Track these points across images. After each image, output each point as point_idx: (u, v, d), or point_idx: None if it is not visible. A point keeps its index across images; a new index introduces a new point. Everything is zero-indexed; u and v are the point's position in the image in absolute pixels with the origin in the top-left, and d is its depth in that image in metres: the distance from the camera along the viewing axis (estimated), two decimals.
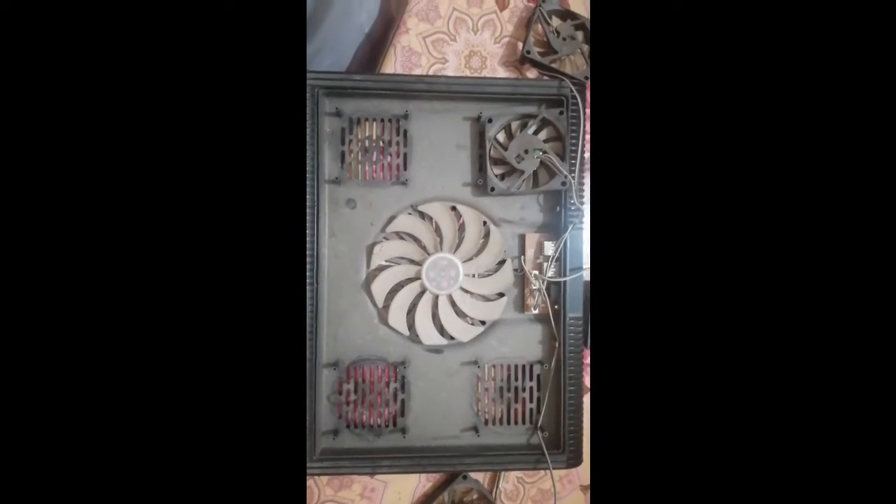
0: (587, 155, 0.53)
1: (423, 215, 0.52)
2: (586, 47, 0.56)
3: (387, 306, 0.51)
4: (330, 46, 0.61)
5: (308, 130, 0.49)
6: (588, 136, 0.55)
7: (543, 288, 0.52)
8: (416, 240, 0.52)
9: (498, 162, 0.52)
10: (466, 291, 0.52)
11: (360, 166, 0.51)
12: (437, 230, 0.52)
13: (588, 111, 0.52)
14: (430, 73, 0.56)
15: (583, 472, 0.57)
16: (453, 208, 0.52)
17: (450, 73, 0.56)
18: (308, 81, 0.49)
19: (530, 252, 0.53)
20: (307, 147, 0.48)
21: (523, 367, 0.52)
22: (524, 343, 0.53)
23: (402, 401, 0.51)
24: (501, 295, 0.53)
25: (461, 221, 0.52)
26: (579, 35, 0.56)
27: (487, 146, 0.51)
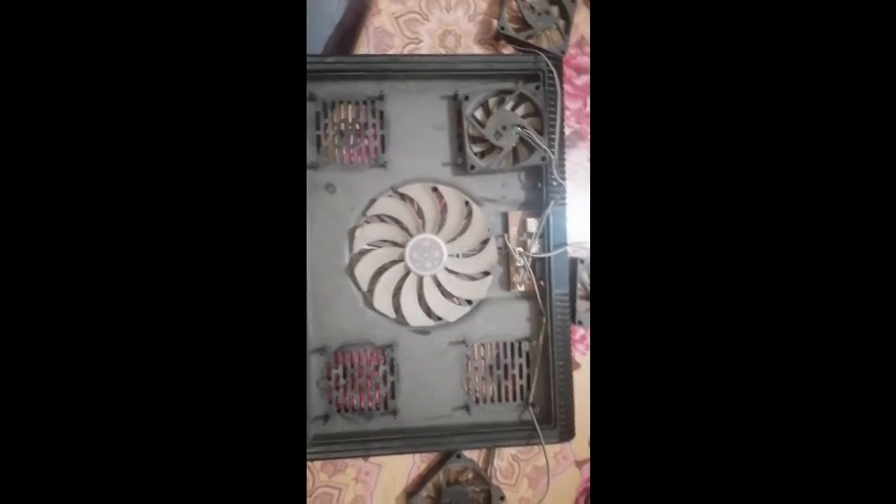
0: (566, 130, 0.53)
1: (403, 197, 0.52)
2: (561, 22, 0.55)
3: (371, 290, 0.51)
4: None
5: None
6: (566, 112, 0.55)
7: (528, 265, 0.52)
8: (397, 222, 0.52)
9: (477, 140, 0.51)
10: (451, 272, 0.52)
11: (337, 150, 0.51)
12: (419, 211, 0.52)
13: (565, 87, 0.51)
14: (405, 53, 0.55)
15: (577, 448, 0.57)
16: (434, 189, 0.52)
17: (424, 52, 0.55)
18: None
19: (514, 230, 0.53)
20: None
21: (511, 344, 0.52)
22: (511, 320, 0.53)
23: (392, 383, 0.51)
24: (487, 274, 0.53)
25: (443, 202, 0.52)
26: (554, 10, 0.55)
27: (465, 124, 0.50)
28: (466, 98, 0.50)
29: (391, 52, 0.55)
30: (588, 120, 0.58)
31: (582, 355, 0.58)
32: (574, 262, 0.54)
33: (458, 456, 0.53)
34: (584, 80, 0.58)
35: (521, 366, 0.52)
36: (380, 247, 0.52)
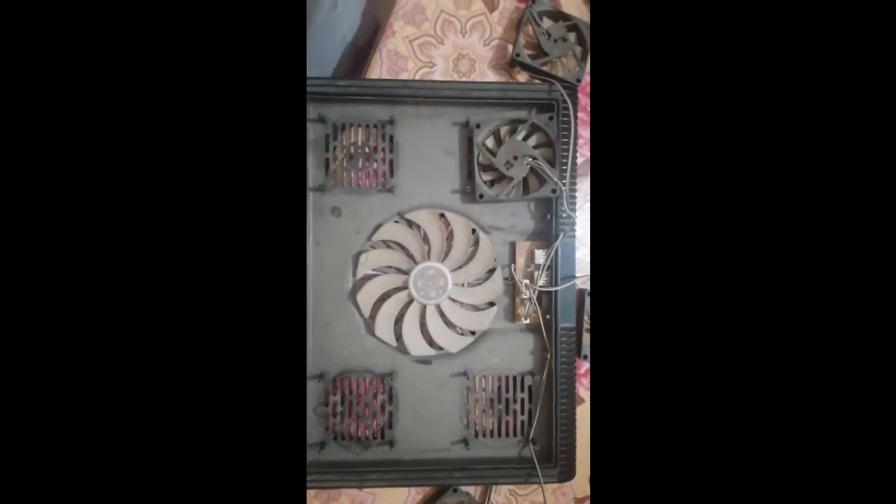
0: (579, 161, 0.52)
1: (410, 223, 0.51)
2: (578, 49, 0.54)
3: (373, 316, 0.50)
4: (311, 60, 0.60)
5: None
6: (580, 141, 0.54)
7: (534, 297, 0.51)
8: (403, 248, 0.51)
9: (487, 168, 0.50)
10: (455, 301, 0.51)
11: (345, 173, 0.50)
12: (425, 238, 0.51)
13: (580, 115, 0.50)
14: (417, 77, 0.54)
15: (576, 486, 0.56)
16: (441, 216, 0.51)
17: (437, 77, 0.55)
18: None
19: (521, 260, 0.51)
20: None
21: (514, 378, 0.51)
22: (515, 353, 0.52)
23: (390, 413, 0.50)
24: (492, 304, 0.52)
25: (449, 229, 0.51)
26: (571, 36, 0.54)
27: (476, 152, 0.49)
28: (478, 126, 0.49)
29: (404, 75, 0.54)
30: None
31: (586, 390, 0.56)
32: (582, 295, 0.53)
33: (455, 490, 0.52)
34: None
35: (522, 400, 0.51)
36: (384, 273, 0.51)
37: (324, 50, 0.57)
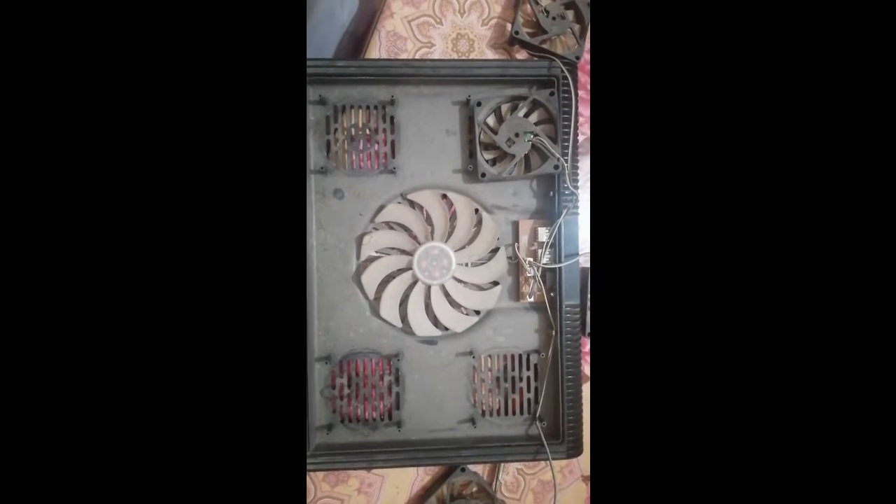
0: (580, 137, 0.52)
1: (412, 204, 0.51)
2: (577, 26, 0.54)
3: (378, 298, 0.50)
4: (310, 47, 0.60)
5: None
6: (580, 119, 0.53)
7: (538, 275, 0.51)
8: (406, 229, 0.51)
9: (488, 147, 0.50)
10: (459, 281, 0.51)
11: (346, 155, 0.50)
12: (428, 219, 0.51)
13: (580, 92, 0.50)
14: (417, 57, 0.54)
15: (584, 463, 0.56)
16: (444, 196, 0.51)
17: (437, 57, 0.54)
18: None
19: (524, 239, 0.51)
20: None
21: (520, 356, 0.51)
22: (520, 332, 0.52)
23: (397, 394, 0.50)
24: (496, 283, 0.52)
25: (452, 209, 0.51)
26: (569, 14, 0.54)
27: (477, 130, 0.49)
28: (479, 104, 0.49)
29: (403, 55, 0.54)
30: None
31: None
32: (585, 273, 0.53)
33: (463, 469, 0.52)
34: None
35: (528, 378, 0.51)
36: (388, 254, 0.51)
37: (324, 36, 0.57)
